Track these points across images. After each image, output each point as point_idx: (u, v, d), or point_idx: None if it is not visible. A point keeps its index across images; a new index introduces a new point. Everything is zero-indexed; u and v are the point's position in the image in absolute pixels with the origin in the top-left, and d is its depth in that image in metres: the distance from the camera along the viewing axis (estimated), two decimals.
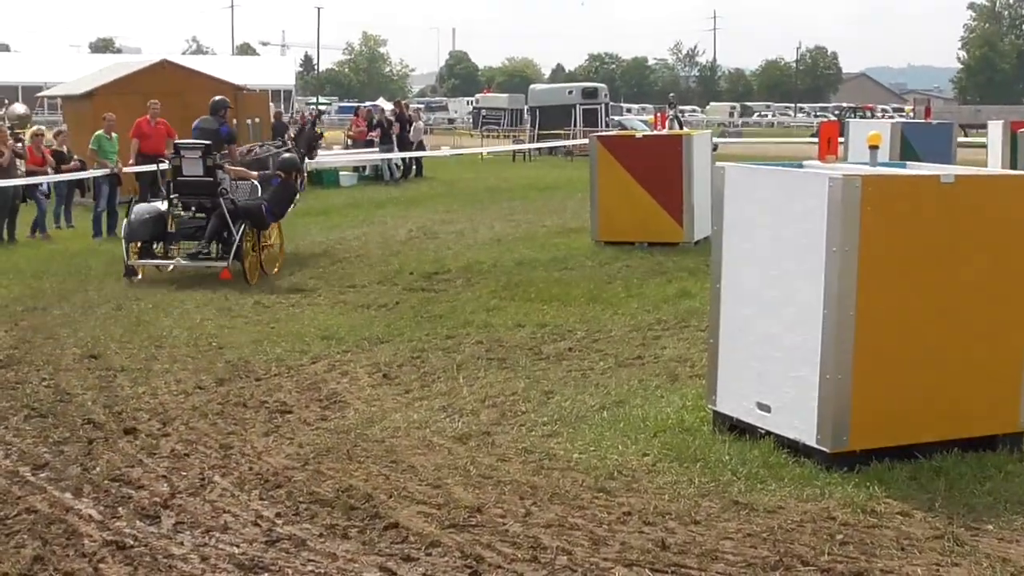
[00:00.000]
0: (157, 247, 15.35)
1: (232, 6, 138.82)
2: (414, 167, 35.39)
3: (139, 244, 15.19)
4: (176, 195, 15.39)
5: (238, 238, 14.72)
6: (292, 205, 16.43)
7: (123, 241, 15.20)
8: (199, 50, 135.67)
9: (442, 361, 10.28)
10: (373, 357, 10.45)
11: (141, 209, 15.41)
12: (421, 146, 37.51)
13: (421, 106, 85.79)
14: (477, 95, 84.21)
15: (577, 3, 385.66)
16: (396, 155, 33.74)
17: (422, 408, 8.74)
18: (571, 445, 7.71)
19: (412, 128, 36.25)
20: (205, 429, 8.26)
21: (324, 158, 32.87)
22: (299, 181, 16.88)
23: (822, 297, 6.83)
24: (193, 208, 15.48)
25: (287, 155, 17.05)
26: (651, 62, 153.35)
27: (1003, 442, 7.31)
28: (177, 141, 16.89)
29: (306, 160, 19.35)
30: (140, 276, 14.90)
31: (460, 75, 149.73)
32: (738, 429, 7.67)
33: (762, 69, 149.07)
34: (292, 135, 22.14)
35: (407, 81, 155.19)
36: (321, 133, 23.52)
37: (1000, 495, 6.68)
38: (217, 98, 18.62)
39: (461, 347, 10.84)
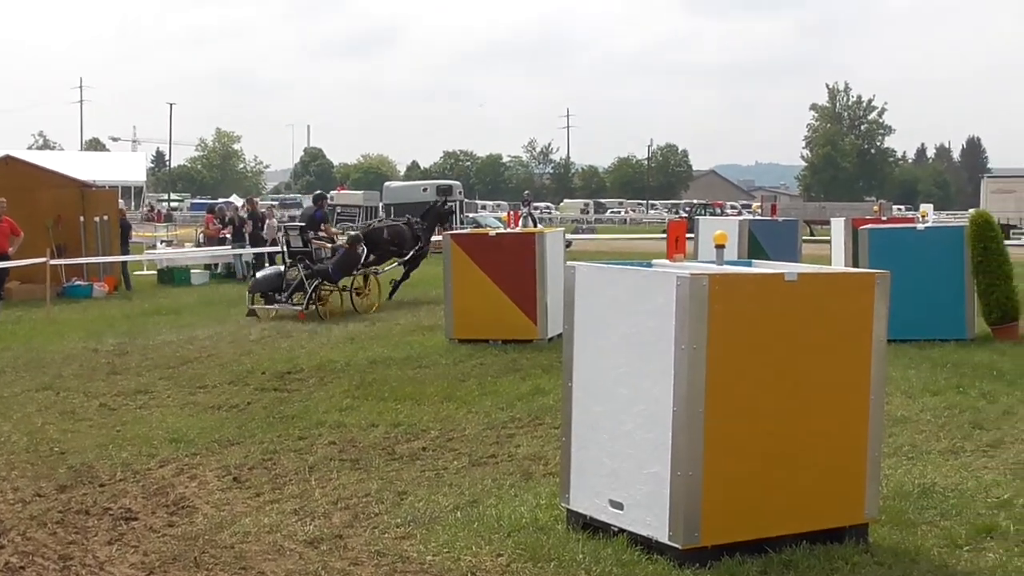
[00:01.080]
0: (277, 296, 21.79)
1: (81, 101, 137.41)
2: (267, 265, 35.05)
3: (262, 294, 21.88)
4: (290, 259, 22.34)
5: (311, 291, 21.21)
6: (357, 268, 22.63)
7: (247, 292, 22.34)
8: (46, 145, 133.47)
9: (294, 463, 10.11)
10: (223, 460, 10.24)
11: (263, 271, 23.58)
12: (275, 244, 37.28)
13: (275, 203, 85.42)
14: (332, 192, 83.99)
15: (433, 100, 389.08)
16: (248, 251, 33.45)
17: (273, 511, 8.57)
18: (424, 547, 7.61)
19: (265, 226, 36.01)
20: (44, 539, 7.98)
21: (174, 256, 32.56)
22: (363, 251, 22.78)
23: (672, 394, 6.89)
24: (300, 268, 21.90)
25: (353, 233, 24.90)
26: (505, 159, 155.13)
27: (850, 534, 7.42)
28: (285, 223, 26.23)
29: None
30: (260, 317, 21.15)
31: (315, 172, 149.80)
32: (592, 527, 7.65)
33: (615, 166, 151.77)
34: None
35: (261, 178, 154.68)
36: (451, 210, 30.06)
37: None
38: (317, 192, 28.15)
39: (313, 448, 10.69)
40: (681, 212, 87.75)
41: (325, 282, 21.70)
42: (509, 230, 19.41)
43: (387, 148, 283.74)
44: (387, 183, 63.97)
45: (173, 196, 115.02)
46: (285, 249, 22.88)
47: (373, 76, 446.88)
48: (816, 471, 7.29)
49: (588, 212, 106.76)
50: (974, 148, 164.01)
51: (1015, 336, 17.12)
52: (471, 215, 58.99)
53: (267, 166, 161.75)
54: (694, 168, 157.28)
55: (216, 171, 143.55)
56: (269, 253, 30.36)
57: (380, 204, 57.43)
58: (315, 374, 14.80)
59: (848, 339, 7.33)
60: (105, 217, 28.73)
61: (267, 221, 36.66)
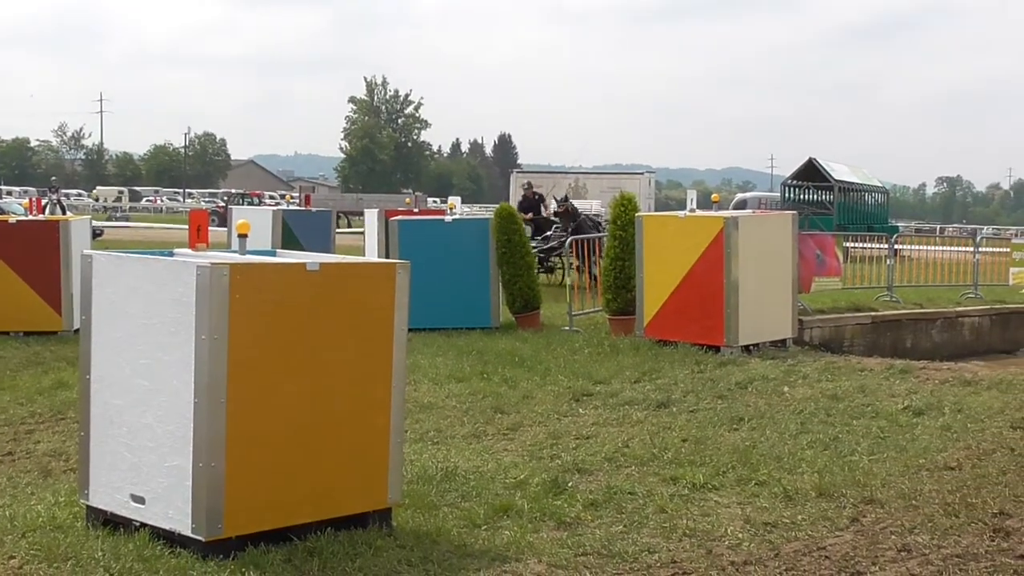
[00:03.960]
0: None
1: None
2: None
3: None
4: None
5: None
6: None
7: None
8: None
9: None
10: None
11: None
12: None
13: None
14: None
15: None
16: None
17: None
18: None
19: None
20: None
21: None
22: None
23: (192, 385, 6.78)
24: None
25: None
26: (33, 143, 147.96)
27: (373, 519, 7.56)
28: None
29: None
30: None
31: None
32: (113, 523, 7.43)
33: (151, 154, 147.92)
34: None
35: None
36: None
37: (371, 570, 6.90)
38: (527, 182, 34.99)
39: None
40: (219, 201, 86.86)
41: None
42: (31, 217, 18.54)
43: None
44: None
45: None
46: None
47: None
48: (339, 459, 7.38)
49: (123, 200, 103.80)
50: (506, 144, 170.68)
51: (536, 324, 18.01)
52: None
53: None
54: (233, 157, 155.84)
55: None
56: None
57: None
58: None
59: (370, 328, 7.47)
60: None
61: None
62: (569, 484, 8.88)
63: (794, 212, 19.24)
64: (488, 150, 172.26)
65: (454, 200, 19.49)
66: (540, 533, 7.73)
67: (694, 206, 17.01)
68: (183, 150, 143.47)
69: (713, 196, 18.22)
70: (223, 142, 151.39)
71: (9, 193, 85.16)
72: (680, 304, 15.81)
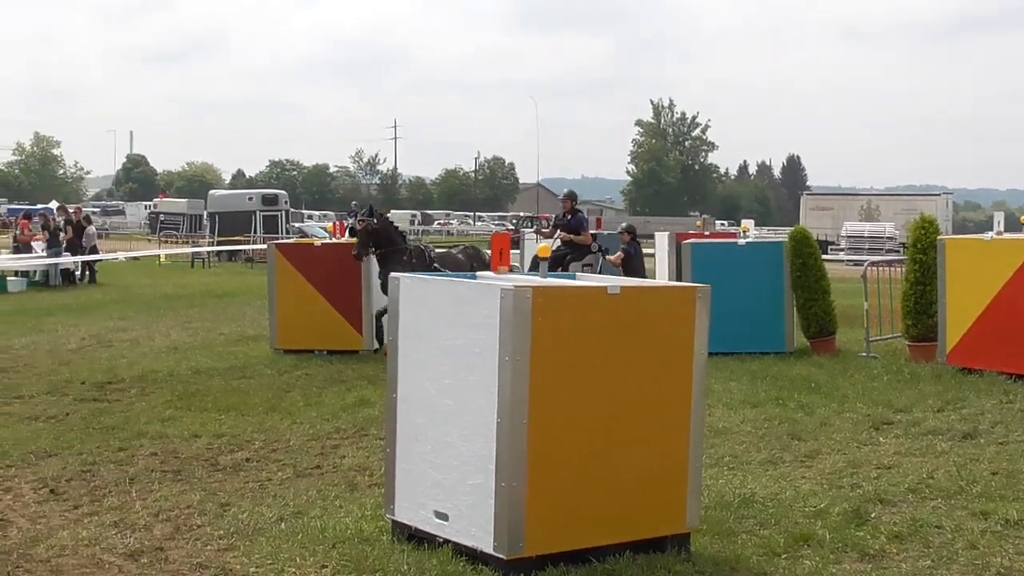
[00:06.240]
0: None
1: None
2: (87, 272, 34.34)
3: None
4: None
5: None
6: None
7: None
8: None
9: (114, 474, 9.87)
10: (40, 472, 9.94)
11: None
12: (94, 251, 36.47)
13: (97, 210, 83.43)
14: (155, 199, 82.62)
15: (259, 109, 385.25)
16: (68, 260, 32.65)
17: (92, 524, 8.34)
18: (248, 559, 7.50)
19: (84, 233, 35.23)
20: None
21: None
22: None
23: (496, 405, 6.90)
24: None
25: None
26: (332, 169, 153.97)
27: (671, 543, 7.51)
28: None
29: None
30: None
31: (138, 179, 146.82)
32: (417, 538, 7.62)
33: (442, 178, 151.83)
34: None
35: (82, 184, 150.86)
36: None
37: None
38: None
39: (134, 459, 10.45)
40: (507, 225, 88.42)
41: None
42: (335, 240, 19.28)
43: (212, 156, 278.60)
44: (212, 191, 63.13)
45: None
46: None
47: (196, 84, 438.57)
48: (638, 482, 7.37)
49: (415, 223, 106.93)
50: (794, 166, 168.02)
51: (832, 349, 17.61)
52: (297, 225, 58.66)
53: (88, 172, 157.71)
54: (521, 180, 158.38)
55: (34, 176, 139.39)
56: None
57: (204, 212, 56.63)
58: (136, 384, 14.50)
59: (670, 351, 7.44)
60: None
61: (87, 229, 35.89)
62: (871, 515, 8.62)
63: None
64: (776, 172, 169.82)
65: (747, 223, 19.24)
66: (842, 564, 7.53)
67: (1001, 228, 16.31)
68: (473, 174, 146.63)
69: (1022, 218, 17.47)
70: (511, 166, 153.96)
71: (310, 217, 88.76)
72: (986, 330, 15.19)
